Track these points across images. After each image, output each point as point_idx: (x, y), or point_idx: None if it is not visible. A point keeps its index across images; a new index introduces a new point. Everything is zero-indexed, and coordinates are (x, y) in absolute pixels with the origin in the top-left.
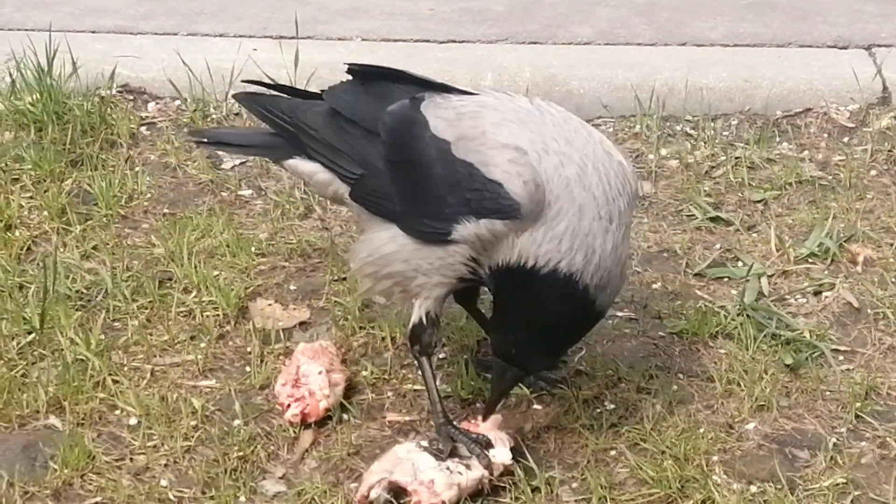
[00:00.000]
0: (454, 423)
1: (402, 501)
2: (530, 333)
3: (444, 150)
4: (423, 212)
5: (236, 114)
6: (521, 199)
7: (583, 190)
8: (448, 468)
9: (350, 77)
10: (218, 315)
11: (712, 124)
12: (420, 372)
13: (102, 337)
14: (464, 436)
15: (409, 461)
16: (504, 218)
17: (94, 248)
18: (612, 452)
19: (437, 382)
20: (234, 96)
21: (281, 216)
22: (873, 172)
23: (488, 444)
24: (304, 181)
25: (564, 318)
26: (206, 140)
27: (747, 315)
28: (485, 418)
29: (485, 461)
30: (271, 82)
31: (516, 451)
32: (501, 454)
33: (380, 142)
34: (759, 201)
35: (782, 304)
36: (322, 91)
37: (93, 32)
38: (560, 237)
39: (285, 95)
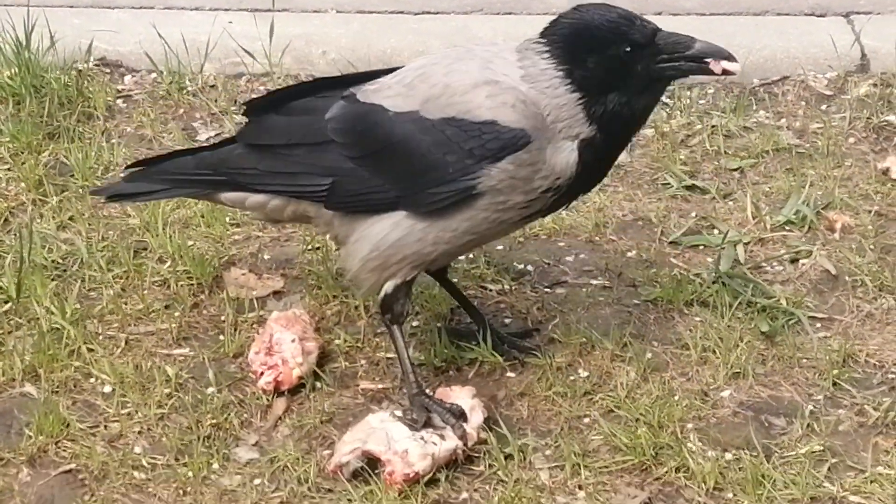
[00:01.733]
0: (428, 392)
1: (375, 471)
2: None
3: (416, 120)
4: (424, 184)
5: (212, 86)
6: (520, 124)
7: (548, 73)
8: (422, 438)
9: (249, 115)
10: (192, 284)
11: (688, 93)
12: (392, 341)
13: (78, 306)
14: (438, 405)
15: (383, 431)
16: (516, 149)
17: (71, 218)
18: (586, 420)
19: (410, 351)
20: (124, 178)
21: None
22: (851, 140)
23: (462, 414)
24: (243, 209)
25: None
26: (110, 196)
27: (723, 283)
28: None
29: (459, 431)
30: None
31: (489, 419)
32: (475, 420)
33: (337, 146)
34: (735, 169)
35: (758, 272)
36: (236, 136)
37: (70, 7)
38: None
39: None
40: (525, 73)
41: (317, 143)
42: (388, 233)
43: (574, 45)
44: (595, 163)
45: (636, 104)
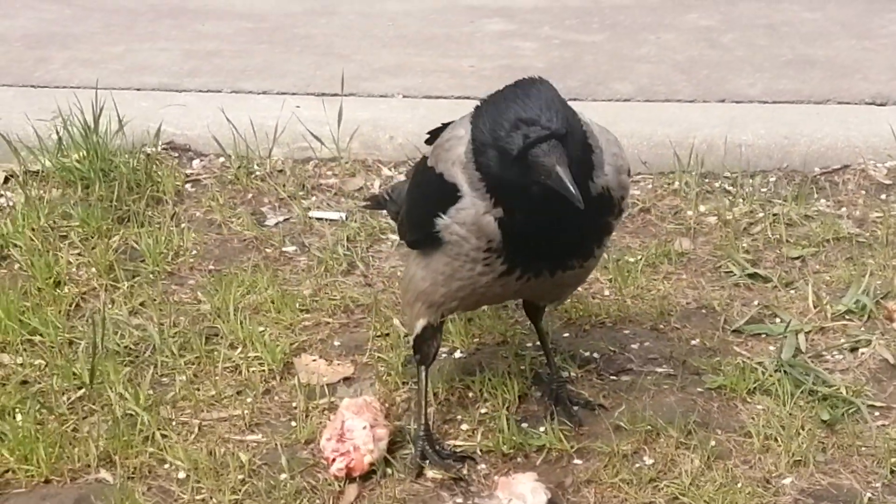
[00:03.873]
0: (433, 439)
1: None
2: None
3: (424, 164)
4: (413, 226)
5: (279, 170)
6: (455, 180)
7: None
8: None
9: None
10: (263, 370)
11: (751, 181)
12: (418, 380)
13: (151, 392)
14: (436, 455)
15: None
16: (452, 204)
17: (142, 304)
18: None
19: (479, 440)
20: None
21: (324, 272)
22: None
23: (464, 459)
24: None
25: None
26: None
27: (785, 371)
28: None
29: (457, 473)
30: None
31: None
32: (538, 501)
33: None
34: (796, 258)
35: (819, 361)
36: None
37: (138, 90)
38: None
39: None
40: None
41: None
42: (406, 271)
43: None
44: (529, 233)
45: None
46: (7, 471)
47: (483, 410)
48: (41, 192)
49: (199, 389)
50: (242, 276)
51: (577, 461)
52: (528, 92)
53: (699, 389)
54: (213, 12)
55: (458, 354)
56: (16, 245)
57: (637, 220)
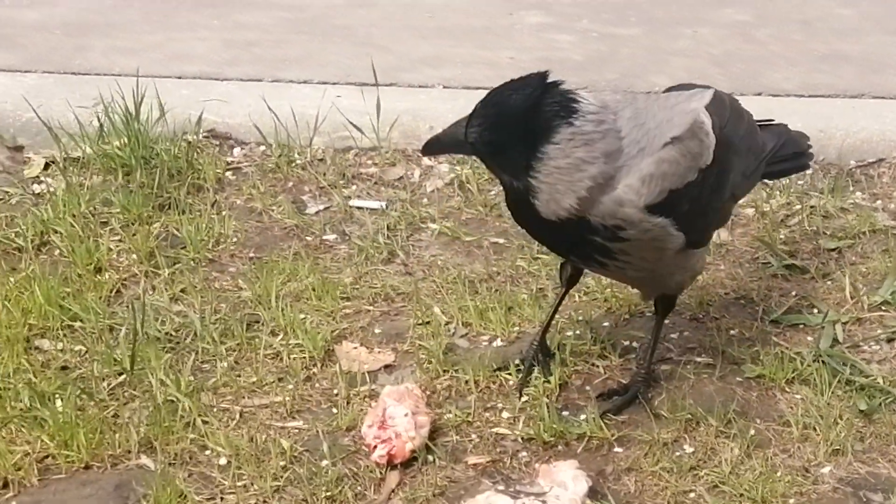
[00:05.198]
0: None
1: None
2: None
3: None
4: None
5: (320, 159)
6: None
7: None
8: None
9: None
10: (304, 357)
11: None
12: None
13: (192, 378)
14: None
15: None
16: None
17: (183, 290)
18: (692, 495)
19: (520, 424)
20: None
21: (365, 261)
22: None
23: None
24: None
25: None
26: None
27: (822, 361)
28: None
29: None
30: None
31: (597, 493)
32: (579, 489)
33: None
34: (833, 250)
35: (856, 351)
36: None
37: (179, 78)
38: None
39: None
40: None
41: None
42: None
43: None
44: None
45: None
46: (47, 456)
47: (524, 398)
48: (82, 178)
49: (240, 376)
50: (283, 264)
51: (617, 449)
52: (500, 89)
53: (738, 379)
54: (252, 2)
55: (498, 343)
56: (56, 231)
57: None
